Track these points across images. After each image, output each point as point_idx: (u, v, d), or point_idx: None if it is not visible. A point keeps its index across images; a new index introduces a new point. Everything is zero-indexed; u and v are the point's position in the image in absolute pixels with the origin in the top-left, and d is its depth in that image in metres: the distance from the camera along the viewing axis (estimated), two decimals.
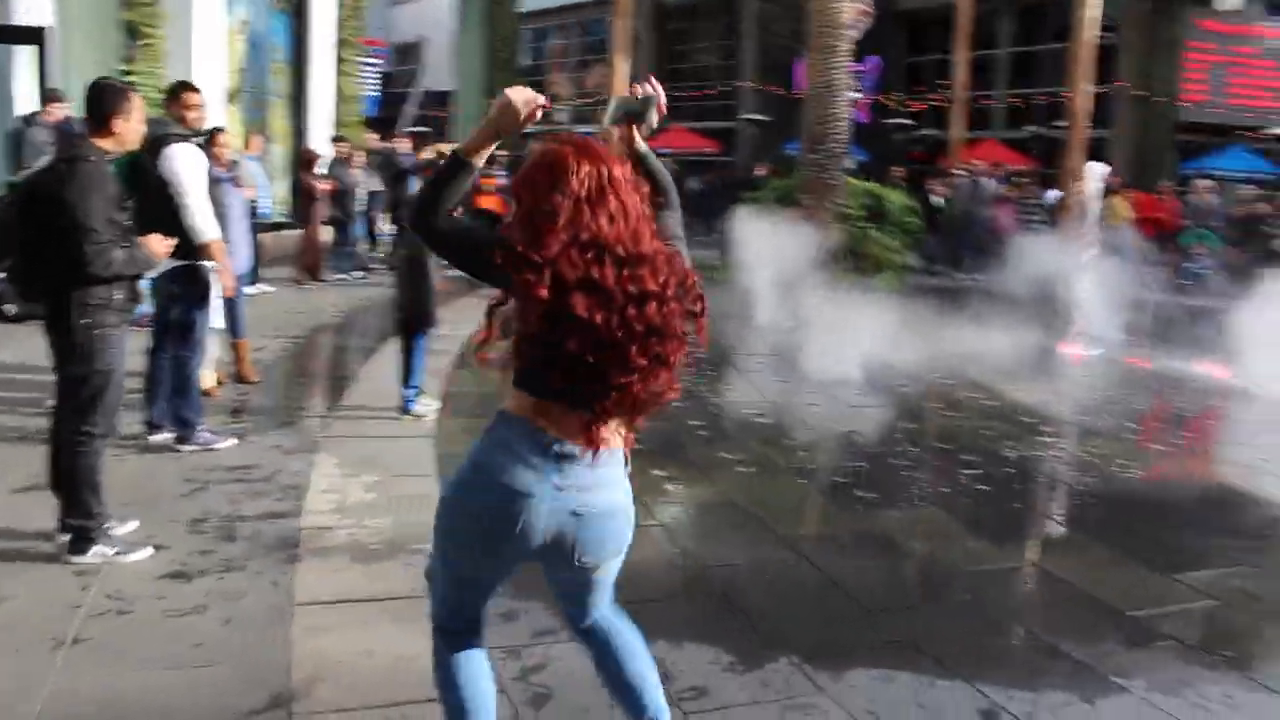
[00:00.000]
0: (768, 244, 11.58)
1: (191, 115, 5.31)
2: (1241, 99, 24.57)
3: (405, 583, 3.93)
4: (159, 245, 4.03)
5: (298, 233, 12.12)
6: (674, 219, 2.35)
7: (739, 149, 28.95)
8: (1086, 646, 3.78)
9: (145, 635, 3.40)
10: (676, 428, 6.73)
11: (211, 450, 5.43)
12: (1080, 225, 14.84)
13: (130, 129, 4.02)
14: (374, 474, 5.21)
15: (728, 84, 29.08)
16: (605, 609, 2.54)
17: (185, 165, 5.04)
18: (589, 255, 2.08)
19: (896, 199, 16.70)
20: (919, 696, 3.36)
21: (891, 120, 27.46)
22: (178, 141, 5.09)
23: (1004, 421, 7.46)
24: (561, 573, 2.41)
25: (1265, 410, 8.03)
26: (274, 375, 7.48)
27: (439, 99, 31.18)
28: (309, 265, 11.94)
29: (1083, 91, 16.52)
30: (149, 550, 4.06)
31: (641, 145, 2.43)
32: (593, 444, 2.16)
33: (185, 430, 5.43)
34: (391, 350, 8.21)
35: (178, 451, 5.39)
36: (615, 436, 2.23)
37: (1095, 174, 14.31)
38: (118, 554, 3.97)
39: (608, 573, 2.41)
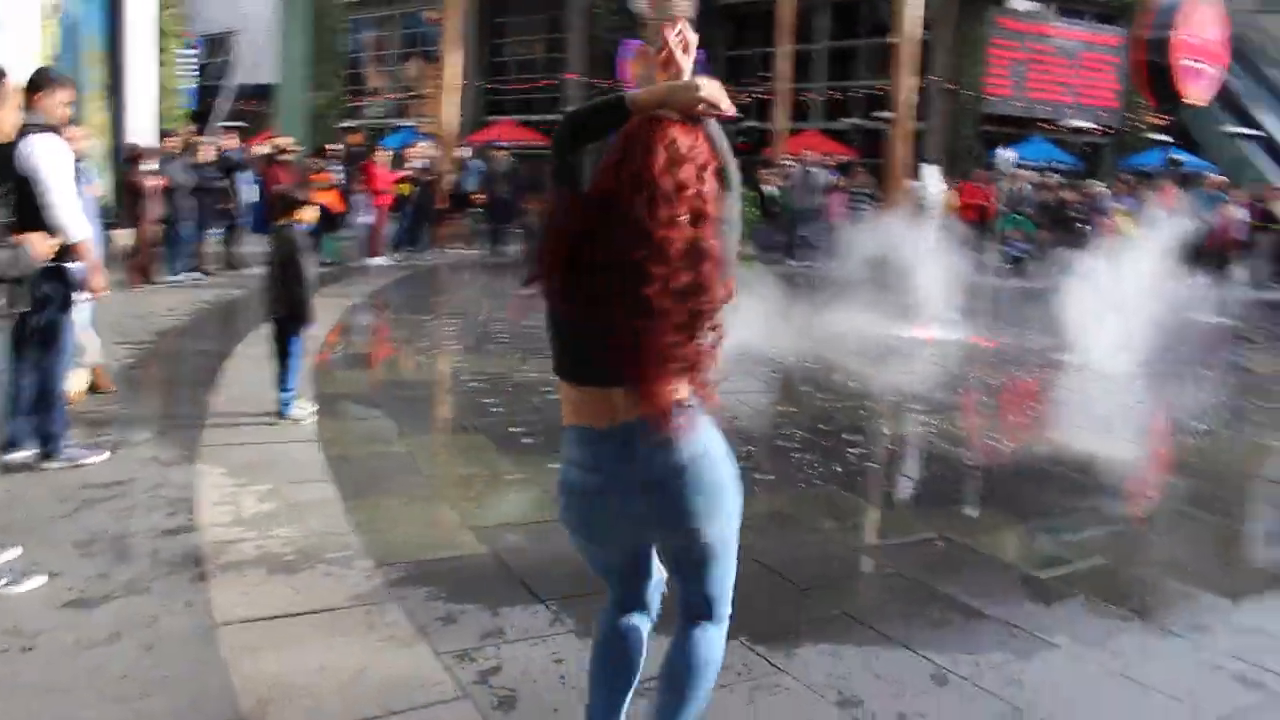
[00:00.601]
0: None
1: (58, 106, 4.90)
2: (1040, 93, 26.15)
3: (334, 593, 3.74)
4: (42, 245, 3.70)
5: (127, 232, 11.39)
6: (731, 200, 2.25)
7: None
8: (1009, 608, 3.94)
9: (61, 671, 3.12)
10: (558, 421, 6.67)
11: (80, 466, 5.04)
12: (915, 215, 15.43)
13: (2, 118, 3.68)
14: (265, 482, 4.95)
15: (554, 76, 29.03)
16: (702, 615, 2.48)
17: (48, 158, 4.64)
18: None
19: None
20: (872, 667, 3.42)
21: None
22: (37, 132, 4.67)
23: (875, 402, 7.71)
24: (673, 542, 2.39)
25: (1094, 380, 8.58)
26: (131, 383, 7.00)
27: (254, 93, 29.99)
28: (140, 266, 11.25)
29: (907, 86, 17.22)
30: (41, 578, 3.72)
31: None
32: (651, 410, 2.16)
33: (50, 445, 5.02)
34: (248, 352, 7.90)
35: (42, 470, 4.97)
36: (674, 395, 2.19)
37: (933, 175, 14.85)
38: (7, 584, 3.63)
39: (713, 537, 2.34)
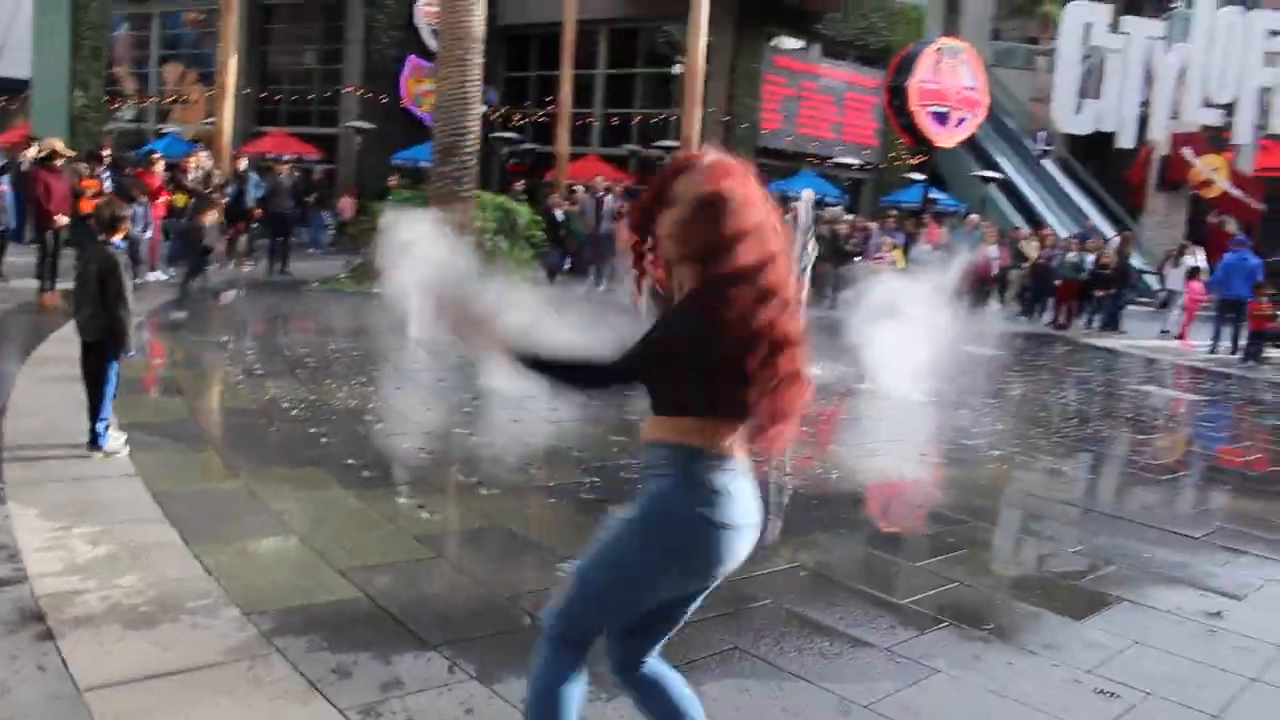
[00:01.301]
0: (413, 255, 11.37)
1: None
2: (809, 129, 27.53)
3: (205, 648, 3.45)
4: None
5: None
6: None
7: (343, 156, 28.07)
8: (886, 636, 4.08)
9: None
10: (395, 452, 6.45)
11: None
12: None
13: None
14: (92, 523, 4.52)
15: (330, 88, 28.12)
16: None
17: None
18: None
19: (524, 213, 17.05)
20: (779, 701, 3.46)
21: (496, 134, 27.87)
22: None
23: None
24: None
25: (895, 406, 9.09)
26: None
27: (9, 87, 27.48)
28: None
29: (695, 118, 17.70)
30: None
31: None
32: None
33: None
34: (36, 374, 7.22)
35: None
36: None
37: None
38: None
39: (581, 568, 2.43)
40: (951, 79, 25.55)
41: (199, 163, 14.99)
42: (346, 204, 23.24)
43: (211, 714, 3.03)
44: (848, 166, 28.64)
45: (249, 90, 26.04)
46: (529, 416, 7.57)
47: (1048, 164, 30.77)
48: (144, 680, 3.20)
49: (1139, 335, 17.85)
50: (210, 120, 19.30)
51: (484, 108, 17.56)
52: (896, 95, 25.65)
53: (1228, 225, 26.32)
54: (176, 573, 4.08)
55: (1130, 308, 19.85)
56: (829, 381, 10.31)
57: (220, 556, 4.27)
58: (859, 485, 6.71)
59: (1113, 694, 3.71)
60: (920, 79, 25.05)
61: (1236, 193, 28.19)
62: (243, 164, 16.37)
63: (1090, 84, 28.47)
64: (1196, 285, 17.90)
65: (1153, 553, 5.49)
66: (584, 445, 7.05)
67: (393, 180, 19.88)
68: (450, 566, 4.52)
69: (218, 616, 3.71)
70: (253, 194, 15.77)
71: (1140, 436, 9.47)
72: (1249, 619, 4.62)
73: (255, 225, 16.29)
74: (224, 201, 14.45)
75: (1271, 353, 15.59)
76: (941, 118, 25.64)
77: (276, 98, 28.91)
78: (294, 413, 7.04)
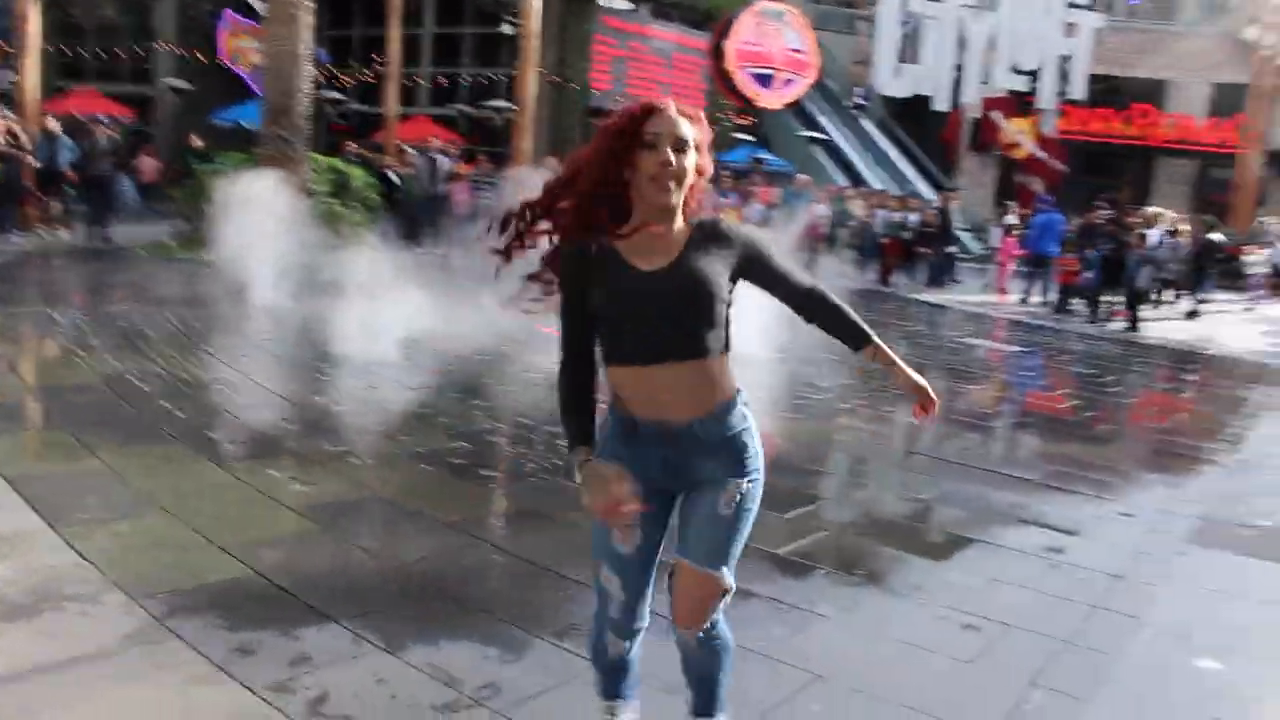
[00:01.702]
0: (246, 220, 11.04)
1: None
2: (638, 90, 27.65)
3: (98, 635, 3.37)
4: None
5: None
6: None
7: (160, 117, 26.66)
8: (773, 586, 4.29)
9: None
10: (257, 423, 6.31)
11: None
12: None
13: None
14: None
15: (143, 44, 26.57)
16: None
17: None
18: None
19: (358, 175, 16.67)
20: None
21: (321, 93, 26.97)
22: None
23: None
24: None
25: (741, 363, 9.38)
26: None
27: None
28: None
29: (530, 80, 17.57)
30: None
31: None
32: None
33: None
34: None
35: None
36: None
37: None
38: None
39: None
40: (775, 41, 26.06)
41: (3, 123, 14.01)
42: (147, 165, 21.99)
43: (117, 702, 2.97)
44: None
45: (51, 46, 24.35)
46: (384, 383, 7.51)
47: (868, 125, 31.86)
48: (39, 673, 3.10)
49: (963, 291, 18.83)
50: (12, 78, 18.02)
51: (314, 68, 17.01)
52: (718, 56, 26.05)
53: (1034, 185, 27.97)
54: (50, 560, 3.93)
55: (960, 265, 20.89)
56: None
57: (94, 540, 4.13)
58: None
59: (976, 628, 4.02)
60: (740, 41, 25.47)
61: (1042, 155, 29.93)
62: (53, 124, 15.39)
63: (908, 49, 29.60)
64: (1011, 241, 18.98)
65: (993, 495, 5.92)
66: (446, 411, 7.05)
67: (196, 141, 18.92)
68: (335, 538, 4.49)
69: (103, 602, 3.60)
70: (66, 156, 14.86)
71: (970, 386, 10.07)
72: (1085, 552, 5.06)
73: (70, 189, 15.36)
74: (35, 165, 13.57)
75: (1077, 305, 16.70)
76: (764, 79, 26.13)
77: (82, 52, 27.13)
78: (144, 387, 6.77)
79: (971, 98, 29.96)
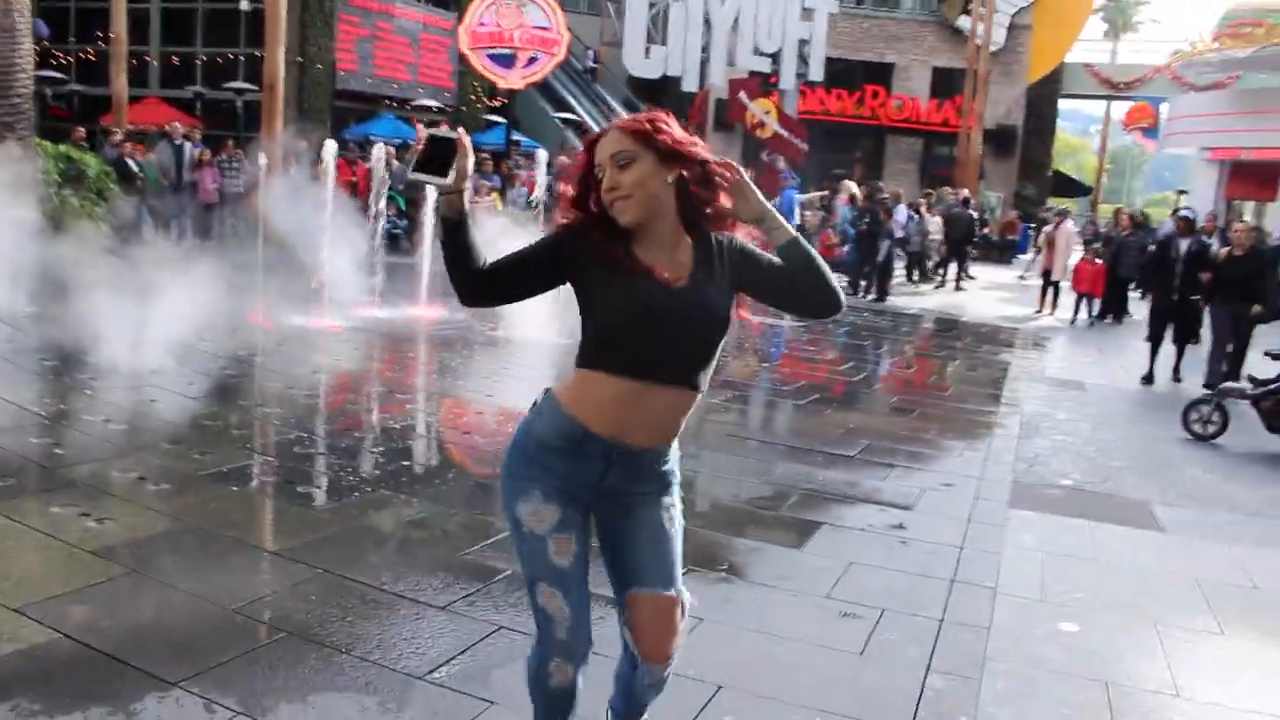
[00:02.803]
0: None
1: None
2: (387, 71, 26.74)
3: None
4: None
5: None
6: None
7: None
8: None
9: None
10: (23, 450, 5.52)
11: None
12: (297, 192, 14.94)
13: None
14: None
15: None
16: None
17: None
18: None
19: (93, 163, 15.22)
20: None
21: (39, 72, 24.49)
22: None
23: (336, 393, 7.43)
24: None
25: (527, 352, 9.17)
26: None
27: None
28: None
29: (278, 60, 16.51)
30: None
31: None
32: None
33: None
34: None
35: None
36: None
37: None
38: None
39: None
40: (513, 20, 25.63)
41: None
42: None
43: None
44: (428, 109, 28.17)
45: None
46: (159, 393, 6.78)
47: (615, 104, 32.03)
48: None
49: None
50: None
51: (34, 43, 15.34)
52: (456, 38, 25.56)
53: (778, 163, 29.01)
54: None
55: None
56: (468, 330, 10.21)
57: None
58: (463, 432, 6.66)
59: (855, 615, 3.98)
60: (474, 23, 25.02)
61: (785, 133, 31.03)
62: None
63: (657, 31, 30.01)
64: None
65: (823, 475, 5.96)
66: (237, 421, 6.45)
67: None
68: (149, 582, 3.92)
69: None
70: None
71: (763, 365, 10.22)
72: (924, 526, 5.15)
73: None
74: None
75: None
76: (505, 60, 25.72)
77: None
78: None
79: (718, 78, 30.71)
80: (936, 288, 19.43)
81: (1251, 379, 8.04)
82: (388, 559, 4.30)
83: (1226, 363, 9.81)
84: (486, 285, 2.26)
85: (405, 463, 5.70)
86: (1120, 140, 56.10)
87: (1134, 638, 4.04)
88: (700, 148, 2.27)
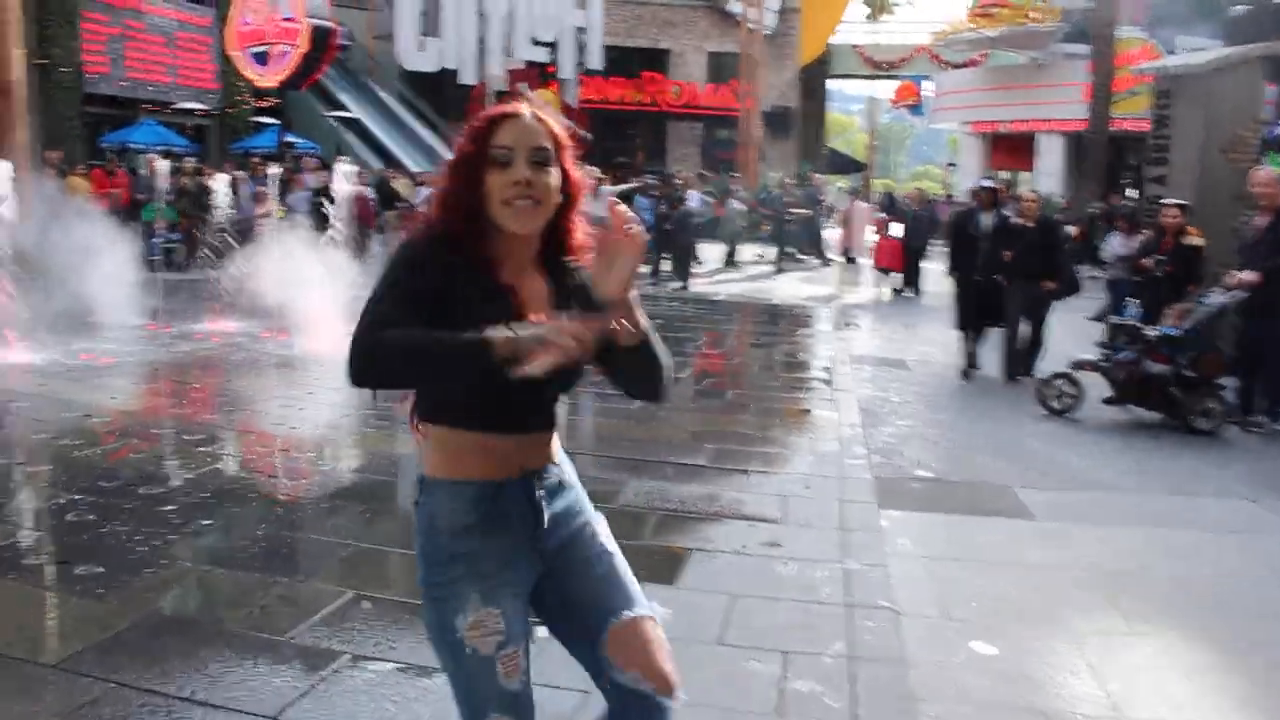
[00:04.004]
0: None
1: None
2: (142, 73, 24.73)
3: None
4: None
5: None
6: None
7: None
8: None
9: None
10: None
11: None
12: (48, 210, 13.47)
13: None
14: None
15: None
16: None
17: None
18: None
19: None
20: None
21: None
22: None
23: (113, 439, 6.45)
24: None
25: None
26: None
27: None
28: None
29: (13, 60, 14.77)
30: None
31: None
32: None
33: None
34: None
35: None
36: None
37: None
38: None
39: None
40: (263, 15, 24.29)
41: None
42: None
43: None
44: (190, 113, 26.26)
45: None
46: None
47: (389, 100, 30.74)
48: None
49: None
50: None
51: None
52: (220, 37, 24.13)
53: None
54: None
55: None
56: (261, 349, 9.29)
57: None
58: (268, 475, 5.95)
59: (756, 661, 3.52)
60: (239, 21, 23.61)
61: (567, 123, 30.61)
62: None
63: (430, 23, 28.99)
64: None
65: (682, 491, 5.48)
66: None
67: None
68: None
69: None
70: None
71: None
72: (799, 540, 4.77)
73: None
74: None
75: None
76: (262, 57, 24.34)
77: None
78: None
79: (496, 69, 29.99)
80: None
81: (1105, 346, 7.94)
82: (196, 657, 3.52)
83: (1021, 345, 9.27)
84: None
85: (205, 522, 4.86)
86: (883, 117, 58.64)
87: (1052, 652, 3.74)
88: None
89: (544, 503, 2.01)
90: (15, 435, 6.56)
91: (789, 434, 7.02)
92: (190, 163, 19.19)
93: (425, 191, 19.28)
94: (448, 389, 1.91)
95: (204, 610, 3.94)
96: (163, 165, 16.98)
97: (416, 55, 28.91)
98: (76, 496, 5.13)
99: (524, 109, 1.93)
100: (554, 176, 1.91)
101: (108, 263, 10.36)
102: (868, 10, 48.33)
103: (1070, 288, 9.29)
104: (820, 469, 6.03)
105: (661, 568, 4.41)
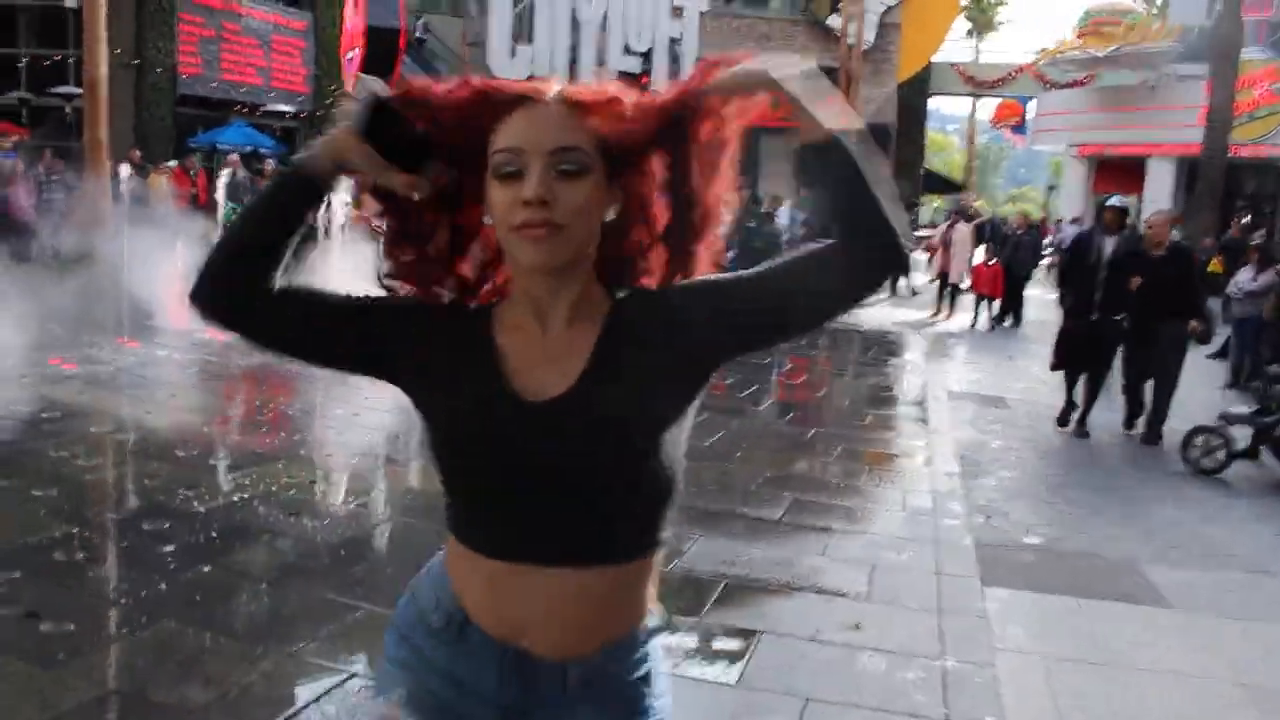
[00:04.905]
0: None
1: None
2: (235, 75, 24.84)
3: None
4: None
5: None
6: None
7: None
8: None
9: None
10: None
11: None
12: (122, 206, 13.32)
13: None
14: None
15: None
16: None
17: None
18: None
19: None
20: None
21: None
22: None
23: (166, 460, 5.98)
24: None
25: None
26: None
27: None
28: None
29: (100, 57, 14.68)
30: None
31: None
32: None
33: None
34: None
35: None
36: None
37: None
38: None
39: None
40: (356, 18, 24.35)
41: None
42: None
43: None
44: (280, 115, 26.35)
45: None
46: None
47: None
48: None
49: None
50: None
51: None
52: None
53: None
54: None
55: None
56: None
57: None
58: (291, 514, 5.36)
59: None
60: (348, 23, 23.65)
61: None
62: None
63: (522, 30, 28.74)
64: None
65: (752, 554, 4.77)
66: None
67: None
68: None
69: None
70: None
71: None
72: (888, 625, 4.04)
73: None
74: None
75: None
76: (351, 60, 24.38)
77: None
78: None
79: (587, 78, 29.59)
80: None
81: (1261, 395, 6.99)
82: None
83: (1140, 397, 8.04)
84: (263, 300, 1.37)
85: (204, 569, 4.31)
86: (980, 138, 57.05)
87: None
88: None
89: (517, 686, 1.38)
90: (27, 451, 6.10)
91: (877, 483, 6.26)
92: (270, 164, 19.04)
93: None
94: (448, 501, 1.40)
95: (168, 688, 3.33)
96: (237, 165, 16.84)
97: (507, 62, 28.59)
98: (73, 530, 4.63)
99: (551, 89, 1.34)
100: (587, 184, 1.30)
101: (175, 262, 10.09)
102: (969, 27, 47.01)
103: (1210, 329, 8.16)
104: (912, 529, 5.28)
105: (724, 656, 3.71)
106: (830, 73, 31.48)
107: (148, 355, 8.70)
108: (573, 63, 29.05)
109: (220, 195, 16.54)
